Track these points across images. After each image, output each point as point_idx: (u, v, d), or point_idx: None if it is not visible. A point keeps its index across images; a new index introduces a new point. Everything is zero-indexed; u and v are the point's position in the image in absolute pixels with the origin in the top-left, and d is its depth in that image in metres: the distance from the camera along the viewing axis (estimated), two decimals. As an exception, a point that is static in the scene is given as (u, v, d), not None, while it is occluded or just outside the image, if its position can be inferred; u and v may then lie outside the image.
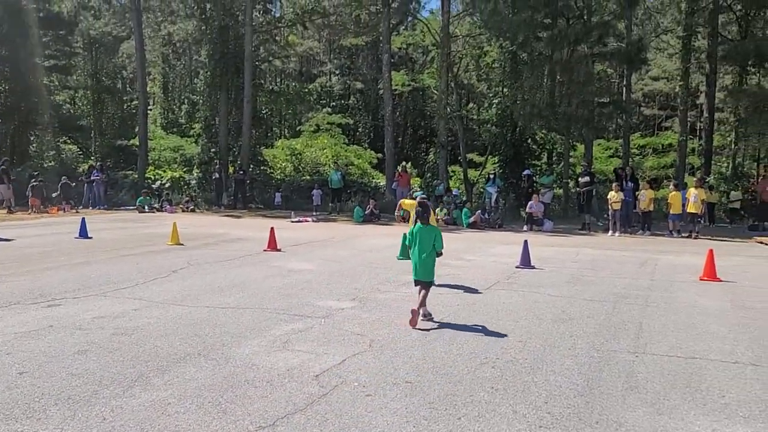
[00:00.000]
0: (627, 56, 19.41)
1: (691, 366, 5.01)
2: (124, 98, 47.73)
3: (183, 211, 22.31)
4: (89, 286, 8.05)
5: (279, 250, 11.84)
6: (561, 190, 22.80)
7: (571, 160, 24.16)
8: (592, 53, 20.01)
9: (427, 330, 6.09)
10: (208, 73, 26.56)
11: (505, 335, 5.92)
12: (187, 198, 23.35)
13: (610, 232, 16.26)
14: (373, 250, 12.38)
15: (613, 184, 16.53)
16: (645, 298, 7.69)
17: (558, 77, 21.23)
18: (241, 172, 23.77)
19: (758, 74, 21.88)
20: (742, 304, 7.39)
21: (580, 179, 18.34)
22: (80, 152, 44.26)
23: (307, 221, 18.94)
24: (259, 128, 28.54)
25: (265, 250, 11.80)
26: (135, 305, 7.00)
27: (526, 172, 21.46)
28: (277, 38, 28.21)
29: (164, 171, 30.01)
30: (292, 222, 18.53)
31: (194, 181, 26.87)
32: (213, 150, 26.39)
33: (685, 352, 5.38)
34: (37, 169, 26.37)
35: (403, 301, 7.44)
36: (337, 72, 52.03)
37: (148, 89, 50.41)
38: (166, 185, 27.62)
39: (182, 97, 47.31)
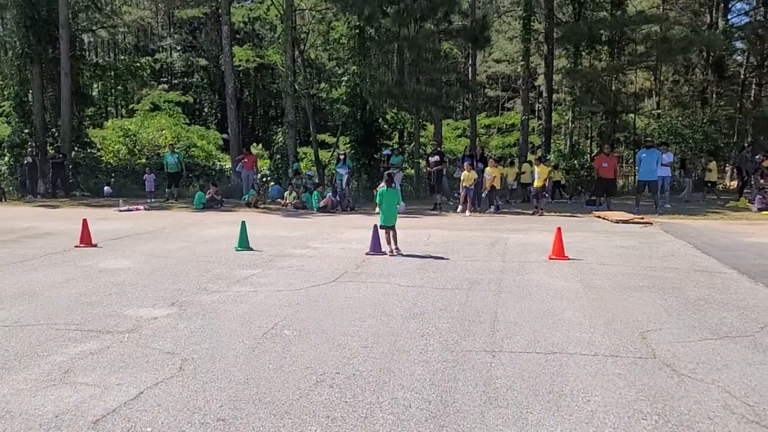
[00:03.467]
0: (472, 34, 19.43)
1: (552, 364, 4.46)
2: None
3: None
4: None
5: (94, 246, 10.12)
6: (412, 171, 22.64)
7: (421, 140, 24.09)
8: (438, 30, 19.81)
9: (259, 336, 5.05)
10: (17, 42, 23.01)
11: (349, 339, 5.06)
12: None
13: (460, 208, 16.16)
14: (209, 241, 11.03)
15: (465, 164, 16.43)
16: (498, 283, 7.23)
17: (406, 54, 20.84)
18: (60, 156, 20.81)
19: (590, 56, 23.18)
20: (592, 284, 7.18)
21: (430, 159, 18.13)
22: None
23: (138, 209, 16.92)
24: (84, 106, 25.32)
25: (77, 246, 10.03)
26: None
27: (386, 152, 20.91)
28: (99, 5, 25.05)
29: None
30: (120, 211, 16.43)
31: (4, 167, 23.27)
32: (27, 131, 22.98)
33: (543, 347, 4.85)
34: None
35: (234, 303, 6.33)
36: (179, 48, 48.52)
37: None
38: (-31, 173, 23.72)
39: (-5, 72, 41.34)
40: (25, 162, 21.31)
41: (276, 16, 25.92)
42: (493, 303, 6.27)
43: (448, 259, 9.00)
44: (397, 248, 9.35)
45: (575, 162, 21.41)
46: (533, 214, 15.86)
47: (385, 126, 23.60)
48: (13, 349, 4.83)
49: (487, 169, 16.72)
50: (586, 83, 21.89)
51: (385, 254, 9.39)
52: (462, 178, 16.39)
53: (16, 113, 23.63)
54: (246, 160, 19.87)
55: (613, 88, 24.39)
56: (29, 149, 21.68)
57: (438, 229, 12.87)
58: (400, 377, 4.21)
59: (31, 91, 23.28)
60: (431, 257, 9.15)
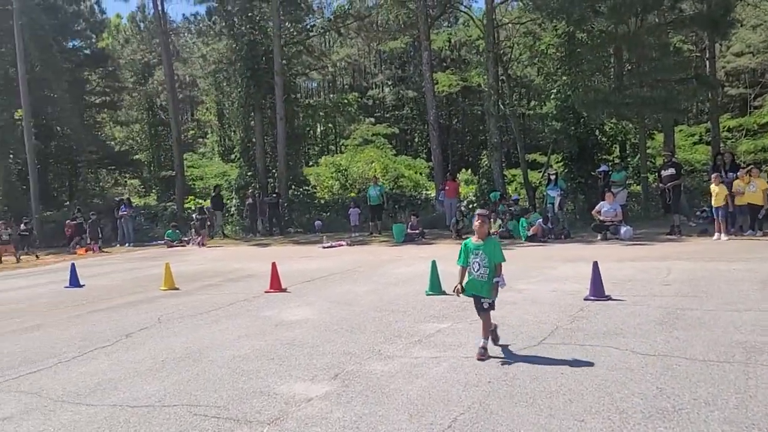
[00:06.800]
0: (710, 19, 16.03)
1: None
2: (182, 128, 47.75)
3: (195, 245, 19.93)
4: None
5: (284, 290, 9.56)
6: (639, 187, 19.53)
7: (648, 151, 20.83)
8: (666, 22, 16.76)
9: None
10: (241, 91, 25.07)
11: (558, 459, 3.31)
12: (193, 231, 20.31)
13: (716, 235, 13.01)
14: (401, 281, 9.88)
15: (713, 175, 13.31)
16: (793, 353, 4.83)
17: (625, 55, 18.07)
18: (274, 195, 21.88)
19: None
20: None
21: (663, 173, 15.13)
22: (142, 186, 44.27)
23: (341, 245, 16.64)
24: (298, 147, 26.68)
25: (267, 291, 9.57)
26: (12, 408, 4.81)
27: (602, 168, 18.11)
28: (310, 49, 26.31)
29: (206, 200, 28.66)
30: (324, 248, 16.25)
31: (233, 208, 25.26)
32: (250, 174, 24.73)
33: None
34: (81, 207, 25.54)
35: (408, 377, 4.92)
36: (389, 82, 50.12)
37: (203, 118, 50.39)
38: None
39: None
40: (247, 203, 22.76)
41: (479, 37, 24.83)
42: (796, 395, 3.99)
43: (700, 306, 6.63)
44: (484, 345, 5.31)
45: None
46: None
47: (603, 139, 20.81)
48: (134, 445, 3.95)
49: (754, 180, 13.20)
50: None
51: (610, 299, 7.32)
52: (712, 194, 13.28)
53: (242, 157, 25.66)
54: (447, 188, 18.78)
55: None
56: (250, 191, 23.17)
57: (680, 260, 10.23)
58: None
59: (254, 137, 25.09)
60: (675, 304, 6.84)
